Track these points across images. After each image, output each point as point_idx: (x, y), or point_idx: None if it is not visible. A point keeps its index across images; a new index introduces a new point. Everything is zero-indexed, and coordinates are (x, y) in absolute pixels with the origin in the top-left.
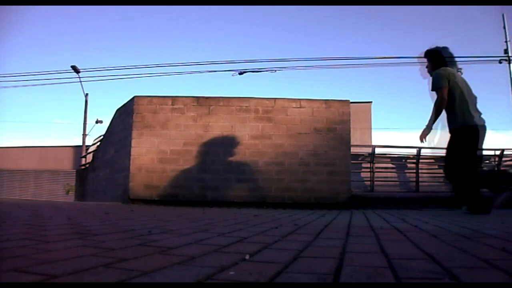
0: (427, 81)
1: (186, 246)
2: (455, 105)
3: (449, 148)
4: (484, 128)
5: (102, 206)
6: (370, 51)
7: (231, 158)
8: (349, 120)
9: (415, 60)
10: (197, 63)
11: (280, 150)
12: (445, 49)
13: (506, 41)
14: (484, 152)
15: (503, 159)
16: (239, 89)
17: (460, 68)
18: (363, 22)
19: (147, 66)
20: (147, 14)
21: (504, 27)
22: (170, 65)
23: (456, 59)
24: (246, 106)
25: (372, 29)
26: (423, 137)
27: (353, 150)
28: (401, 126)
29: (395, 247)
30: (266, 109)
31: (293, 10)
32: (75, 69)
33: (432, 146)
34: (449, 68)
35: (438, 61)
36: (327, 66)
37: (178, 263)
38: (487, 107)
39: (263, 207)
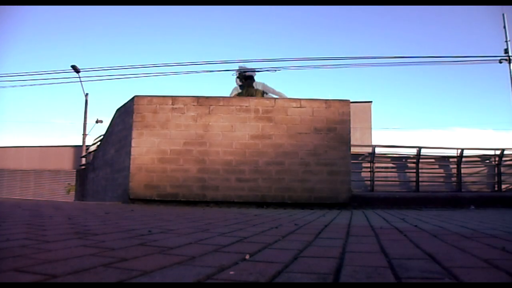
0: None
1: (186, 246)
2: None
3: None
4: None
5: (102, 206)
6: (370, 51)
7: (231, 158)
8: (349, 120)
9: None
10: (196, 63)
11: (280, 150)
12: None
13: (506, 41)
14: (484, 152)
15: (503, 159)
16: None
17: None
18: (363, 22)
19: (144, 66)
20: (147, 14)
21: (504, 27)
22: (167, 65)
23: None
24: (246, 106)
25: (372, 29)
26: None
27: (353, 150)
28: (401, 126)
29: (395, 247)
30: (266, 109)
31: (292, 10)
32: (75, 68)
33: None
34: None
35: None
36: (327, 66)
37: (178, 263)
38: (487, 107)
39: (263, 207)
